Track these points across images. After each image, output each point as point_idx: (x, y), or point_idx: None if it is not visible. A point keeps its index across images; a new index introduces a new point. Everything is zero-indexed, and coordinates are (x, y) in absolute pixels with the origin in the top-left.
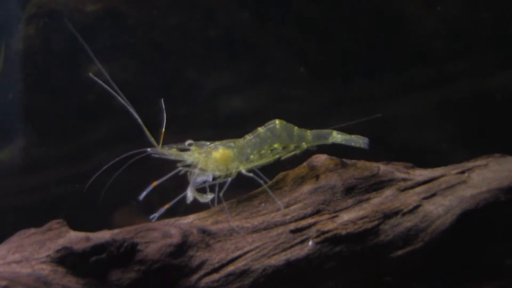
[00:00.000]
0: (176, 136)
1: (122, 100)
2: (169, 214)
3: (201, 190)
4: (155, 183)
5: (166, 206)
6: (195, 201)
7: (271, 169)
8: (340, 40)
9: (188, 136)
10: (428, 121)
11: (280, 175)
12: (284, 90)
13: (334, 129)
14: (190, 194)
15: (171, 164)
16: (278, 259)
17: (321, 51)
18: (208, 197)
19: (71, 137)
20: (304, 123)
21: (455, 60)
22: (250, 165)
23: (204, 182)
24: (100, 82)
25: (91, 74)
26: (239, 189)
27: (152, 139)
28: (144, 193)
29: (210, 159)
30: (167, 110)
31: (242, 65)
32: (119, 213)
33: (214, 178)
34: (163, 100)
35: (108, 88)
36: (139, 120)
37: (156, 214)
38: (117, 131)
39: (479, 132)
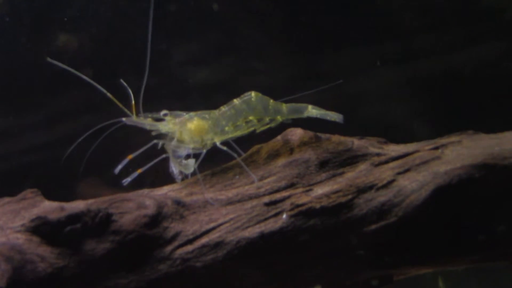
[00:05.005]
0: (144, 107)
1: (85, 77)
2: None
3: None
4: (130, 156)
5: (139, 171)
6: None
7: (245, 142)
8: (308, 13)
9: (155, 107)
10: (396, 97)
11: (255, 148)
12: (252, 62)
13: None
14: (176, 170)
15: (142, 133)
16: (252, 232)
17: (289, 24)
18: (191, 165)
19: (39, 106)
20: (271, 96)
21: (424, 35)
22: (225, 137)
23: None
24: (60, 64)
25: (49, 59)
26: (213, 161)
27: (125, 109)
28: (120, 167)
29: (185, 130)
30: (136, 81)
31: (209, 37)
32: (86, 183)
33: None
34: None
35: (69, 68)
36: (107, 93)
37: (129, 179)
38: (86, 100)
39: (447, 108)
